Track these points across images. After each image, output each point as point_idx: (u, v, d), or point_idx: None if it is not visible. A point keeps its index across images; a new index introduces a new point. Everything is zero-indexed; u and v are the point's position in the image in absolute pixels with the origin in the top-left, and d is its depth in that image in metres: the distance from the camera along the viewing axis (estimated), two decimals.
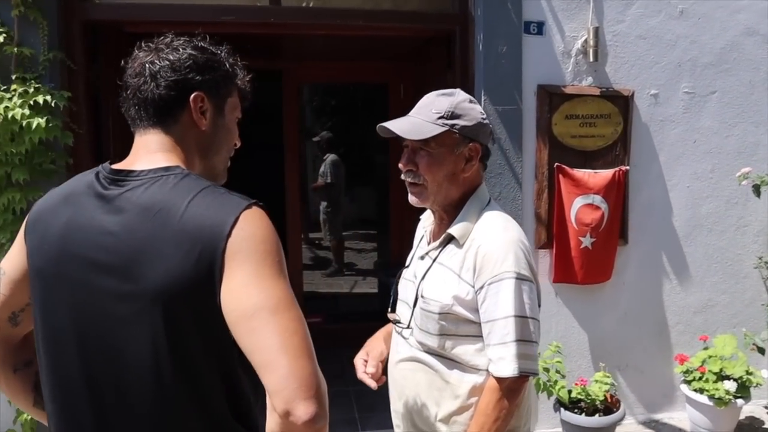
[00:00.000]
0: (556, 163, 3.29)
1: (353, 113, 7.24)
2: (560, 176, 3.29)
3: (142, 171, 1.18)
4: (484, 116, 1.63)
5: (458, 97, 1.62)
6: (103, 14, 3.26)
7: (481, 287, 1.52)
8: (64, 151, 3.08)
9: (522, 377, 1.50)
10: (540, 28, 3.27)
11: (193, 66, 1.21)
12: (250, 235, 1.09)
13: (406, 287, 1.76)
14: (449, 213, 1.66)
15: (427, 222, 1.81)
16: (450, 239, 1.63)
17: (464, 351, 1.58)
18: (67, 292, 1.16)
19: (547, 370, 3.12)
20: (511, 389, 1.50)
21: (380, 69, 4.81)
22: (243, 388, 1.16)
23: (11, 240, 2.94)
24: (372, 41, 4.18)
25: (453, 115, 1.57)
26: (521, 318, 1.49)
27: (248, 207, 1.12)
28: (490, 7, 3.19)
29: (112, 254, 1.12)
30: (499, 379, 1.50)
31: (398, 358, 1.72)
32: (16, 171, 2.90)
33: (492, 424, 1.50)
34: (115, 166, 1.22)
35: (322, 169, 7.14)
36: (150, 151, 1.22)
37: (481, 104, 3.17)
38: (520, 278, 1.50)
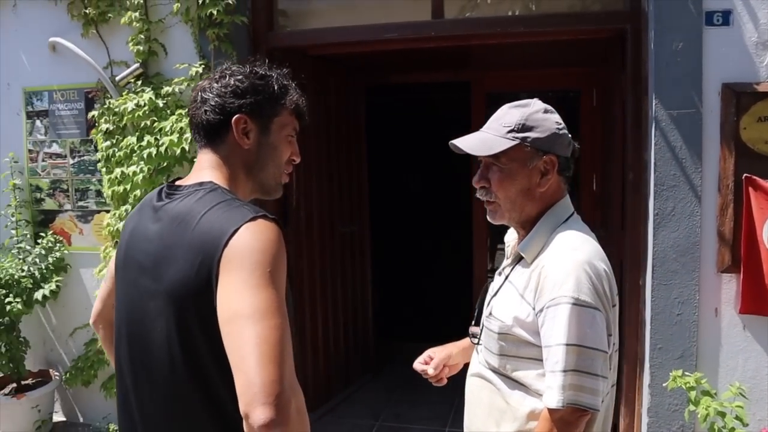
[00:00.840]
0: (744, 174, 2.81)
1: None
2: (750, 189, 2.80)
3: (187, 186, 1.36)
4: (561, 126, 1.52)
5: (531, 107, 1.53)
6: (286, 41, 3.64)
7: (541, 310, 1.42)
8: None
9: (577, 410, 1.36)
10: (726, 17, 2.83)
11: (236, 91, 1.35)
12: (244, 245, 1.17)
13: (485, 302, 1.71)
14: (527, 229, 1.57)
15: (510, 237, 1.73)
16: (520, 258, 1.55)
17: (525, 374, 1.49)
18: (125, 288, 1.39)
19: (722, 414, 2.68)
20: (566, 422, 1.37)
21: (572, 75, 4.56)
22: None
23: None
24: (560, 46, 4.00)
25: (524, 128, 1.49)
26: (576, 347, 1.35)
27: (252, 219, 1.21)
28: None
29: (149, 257, 1.32)
30: (550, 410, 1.38)
31: (470, 373, 1.70)
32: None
33: None
34: (177, 182, 1.42)
35: None
36: (199, 168, 1.40)
37: (651, 109, 2.89)
38: (578, 304, 1.36)
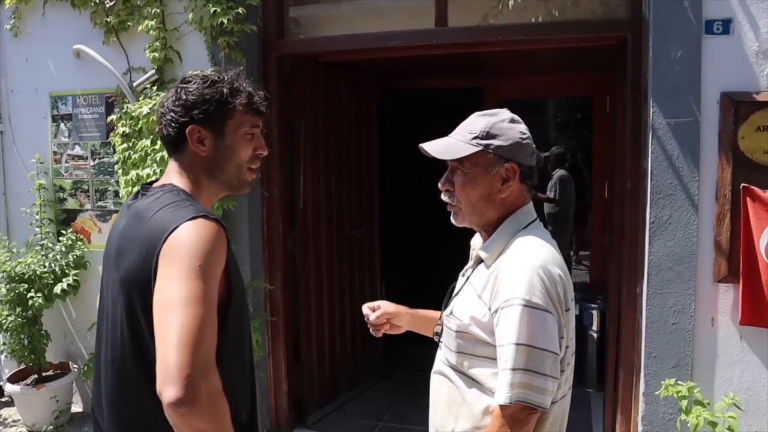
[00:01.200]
0: (742, 184, 2.79)
1: (555, 128, 6.93)
2: (747, 199, 2.78)
3: (154, 188, 1.51)
4: (525, 136, 1.57)
5: (498, 117, 1.59)
6: (295, 48, 3.75)
7: (496, 311, 1.47)
8: None
9: (527, 408, 1.41)
10: (726, 26, 2.82)
11: (185, 104, 1.45)
12: (179, 241, 1.30)
13: None
14: (488, 233, 1.63)
15: (476, 240, 1.79)
16: (481, 260, 1.61)
17: (481, 372, 1.54)
18: (104, 277, 1.55)
19: (713, 424, 2.66)
20: (516, 419, 1.42)
21: (585, 81, 4.57)
22: None
23: None
24: (573, 53, 4.02)
25: (488, 135, 1.55)
26: (526, 347, 1.40)
27: (192, 218, 1.33)
28: (662, 7, 2.86)
29: (114, 249, 1.48)
30: (501, 407, 1.43)
31: (433, 370, 1.75)
32: None
33: None
34: (153, 185, 1.56)
35: (550, 183, 6.98)
36: (167, 174, 1.55)
37: (649, 117, 2.89)
38: (529, 306, 1.41)
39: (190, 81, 1.49)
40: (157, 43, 3.60)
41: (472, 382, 1.56)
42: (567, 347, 1.51)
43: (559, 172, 6.98)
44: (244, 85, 1.51)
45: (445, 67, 4.83)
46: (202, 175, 1.49)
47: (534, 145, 1.59)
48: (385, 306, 1.92)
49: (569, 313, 1.50)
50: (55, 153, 4.03)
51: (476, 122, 1.58)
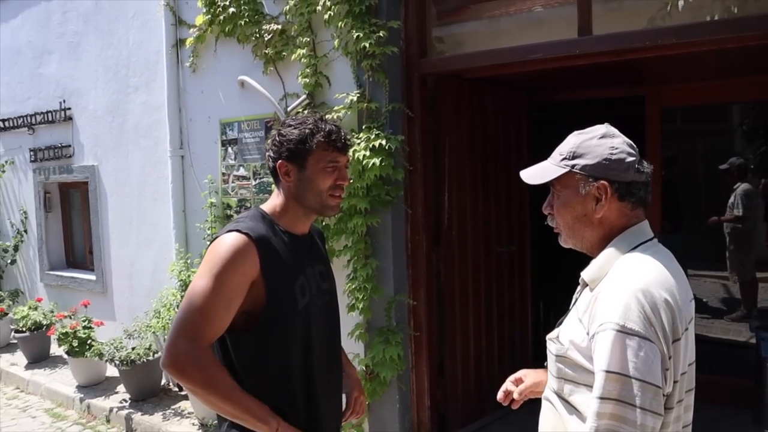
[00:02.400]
0: None
1: (742, 136, 6.21)
2: None
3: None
4: (617, 150, 1.46)
5: (589, 134, 1.51)
6: (437, 67, 3.80)
7: (593, 336, 1.39)
8: (398, 185, 3.69)
9: None
10: None
11: (275, 143, 1.79)
12: (210, 250, 1.68)
13: None
14: (594, 255, 1.54)
15: None
16: (586, 283, 1.52)
17: (581, 400, 1.45)
18: None
19: None
20: None
21: (759, 85, 4.09)
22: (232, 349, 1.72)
23: (355, 256, 3.71)
24: (733, 54, 3.64)
25: (575, 155, 1.49)
26: (617, 375, 1.30)
27: (228, 232, 1.68)
28: None
29: None
30: None
31: (543, 395, 1.68)
32: (360, 201, 3.63)
33: None
34: None
35: (731, 200, 6.32)
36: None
37: None
38: (623, 331, 1.30)
39: (286, 123, 1.79)
40: (308, 70, 3.85)
41: (572, 409, 1.48)
42: (676, 382, 1.36)
43: (742, 186, 6.30)
44: (325, 125, 1.77)
45: (603, 77, 4.59)
46: (291, 200, 1.80)
47: (633, 158, 1.46)
48: (528, 378, 1.80)
49: (679, 344, 1.35)
50: (223, 174, 4.46)
51: (567, 143, 1.53)
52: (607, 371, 1.30)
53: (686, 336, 1.39)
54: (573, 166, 1.48)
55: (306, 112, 3.90)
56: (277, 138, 1.77)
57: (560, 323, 1.64)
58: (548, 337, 1.60)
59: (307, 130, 1.74)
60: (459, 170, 4.04)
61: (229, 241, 1.64)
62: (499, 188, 4.38)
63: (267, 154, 1.81)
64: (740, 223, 6.21)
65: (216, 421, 1.84)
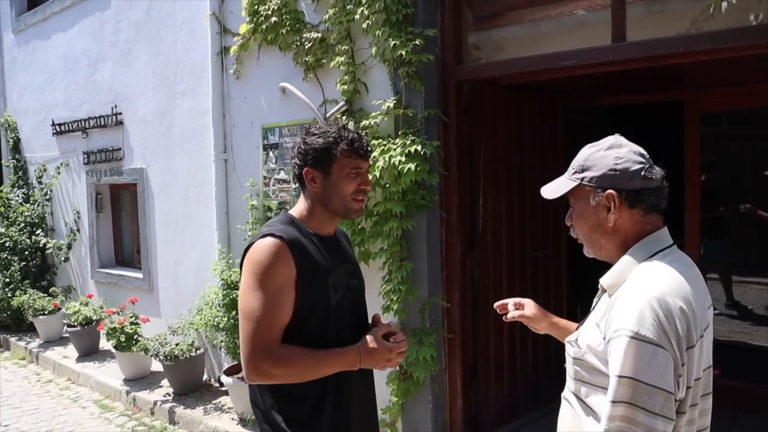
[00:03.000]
0: None
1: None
2: None
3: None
4: (621, 159, 1.51)
5: (597, 146, 1.58)
6: (470, 74, 3.86)
7: (608, 341, 1.44)
8: (433, 189, 3.76)
9: None
10: None
11: (301, 151, 1.89)
12: (248, 257, 1.79)
13: None
14: (614, 263, 1.60)
15: None
16: (604, 289, 1.58)
17: (597, 402, 1.50)
18: None
19: None
20: None
21: None
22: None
23: (390, 259, 3.79)
24: None
25: (583, 168, 1.57)
26: (630, 380, 1.35)
27: (263, 237, 1.79)
28: None
29: None
30: None
31: (563, 394, 1.73)
32: (396, 205, 3.72)
33: None
34: None
35: None
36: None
37: None
38: (637, 338, 1.35)
39: (310, 132, 1.88)
40: (347, 77, 3.96)
41: (589, 410, 1.53)
42: (690, 387, 1.41)
43: None
44: (348, 133, 1.88)
45: (641, 82, 4.57)
46: (316, 205, 1.91)
47: (640, 165, 1.50)
48: (528, 309, 2.00)
49: (693, 350, 1.39)
50: (264, 178, 4.61)
51: (578, 156, 1.61)
52: (620, 376, 1.35)
53: (701, 343, 1.43)
54: (582, 179, 1.55)
55: (344, 117, 4.01)
56: (302, 146, 1.87)
57: (579, 327, 1.70)
58: (567, 339, 1.66)
59: (330, 139, 1.84)
60: (494, 175, 4.09)
61: (265, 246, 1.75)
62: (535, 193, 4.33)
63: (293, 161, 1.92)
64: None
65: (254, 416, 1.99)
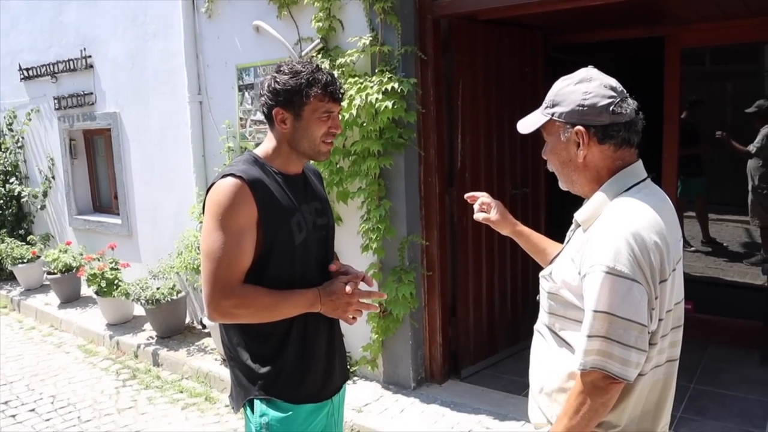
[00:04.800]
0: None
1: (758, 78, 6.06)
2: None
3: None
4: (589, 94, 1.49)
5: (568, 80, 1.55)
6: (449, 10, 3.77)
7: (584, 276, 1.45)
8: (411, 128, 3.73)
9: (608, 377, 1.38)
10: None
11: (273, 90, 1.81)
12: (209, 198, 1.78)
13: None
14: (588, 197, 1.60)
15: None
16: (579, 224, 1.59)
17: (571, 336, 1.53)
18: None
19: None
20: (595, 386, 1.40)
21: None
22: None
23: (368, 198, 3.78)
24: None
25: (554, 103, 1.55)
26: (605, 314, 1.37)
27: (223, 177, 1.76)
28: None
29: None
30: (582, 373, 1.42)
31: (534, 327, 1.76)
32: (373, 144, 3.69)
33: (573, 414, 1.44)
34: None
35: (756, 142, 6.22)
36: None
37: None
38: (612, 273, 1.36)
39: (281, 71, 1.81)
40: (322, 14, 3.86)
41: (562, 342, 1.57)
42: (661, 320, 1.44)
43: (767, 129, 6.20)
44: (322, 75, 1.81)
45: (622, 17, 4.50)
46: (284, 144, 1.86)
47: (609, 100, 1.47)
48: (494, 212, 1.99)
49: (666, 284, 1.42)
50: (241, 119, 4.54)
51: (551, 90, 1.58)
52: (596, 311, 1.38)
53: (674, 276, 1.46)
54: (552, 114, 1.53)
55: (319, 55, 3.92)
56: (273, 84, 1.80)
57: (553, 261, 1.71)
58: (541, 274, 1.67)
59: (303, 81, 1.77)
60: (473, 113, 4.06)
61: (225, 186, 1.73)
62: (513, 131, 4.33)
63: (262, 98, 1.84)
64: (764, 164, 6.14)
65: None
